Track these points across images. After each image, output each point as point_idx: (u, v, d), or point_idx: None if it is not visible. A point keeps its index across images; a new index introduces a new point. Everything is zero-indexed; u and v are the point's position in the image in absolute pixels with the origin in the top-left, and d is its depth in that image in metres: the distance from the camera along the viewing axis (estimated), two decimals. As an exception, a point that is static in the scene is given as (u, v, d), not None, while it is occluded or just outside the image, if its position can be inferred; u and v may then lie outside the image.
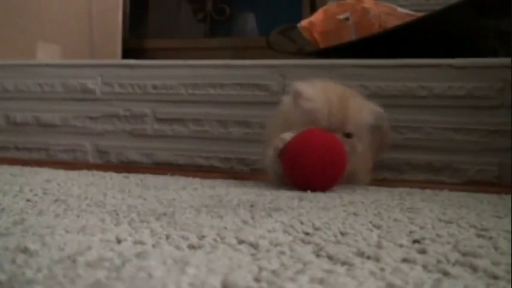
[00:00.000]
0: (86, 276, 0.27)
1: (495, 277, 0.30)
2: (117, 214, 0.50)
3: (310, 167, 0.77)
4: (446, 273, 0.31)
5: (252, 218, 0.50)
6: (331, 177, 0.78)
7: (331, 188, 0.80)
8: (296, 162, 0.79)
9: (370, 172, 0.98)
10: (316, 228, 0.45)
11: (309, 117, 0.83)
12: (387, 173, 1.08)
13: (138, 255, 0.32)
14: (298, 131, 0.82)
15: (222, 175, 1.04)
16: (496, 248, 0.38)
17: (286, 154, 0.80)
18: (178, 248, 0.37)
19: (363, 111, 0.85)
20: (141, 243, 0.38)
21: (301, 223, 0.47)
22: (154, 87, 1.25)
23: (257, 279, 0.29)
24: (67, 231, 0.40)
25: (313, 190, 0.76)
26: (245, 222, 0.47)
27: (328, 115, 0.82)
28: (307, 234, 0.43)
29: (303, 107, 0.84)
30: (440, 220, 0.52)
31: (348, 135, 0.84)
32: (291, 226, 0.46)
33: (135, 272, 0.28)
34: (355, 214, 0.55)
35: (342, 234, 0.43)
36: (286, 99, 0.90)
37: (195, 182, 0.87)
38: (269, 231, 0.43)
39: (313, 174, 0.77)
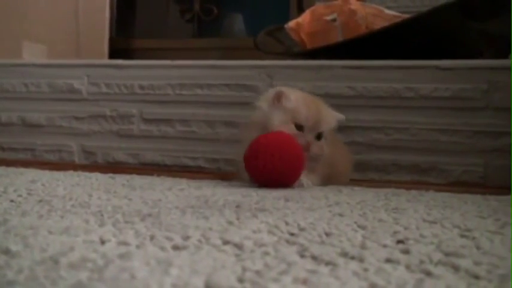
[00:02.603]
0: (67, 277, 0.27)
1: (476, 277, 0.31)
2: (102, 215, 0.49)
3: (261, 163, 0.81)
4: (428, 273, 0.31)
5: (238, 218, 0.50)
6: (281, 173, 0.82)
7: (287, 183, 0.84)
8: (248, 158, 0.83)
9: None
10: (301, 229, 0.45)
11: (289, 116, 0.89)
12: (374, 174, 1.09)
13: (122, 256, 0.32)
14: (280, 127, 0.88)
15: (209, 176, 1.04)
16: (478, 248, 0.39)
17: (246, 152, 0.84)
18: (162, 248, 0.36)
19: (331, 115, 0.93)
20: (125, 244, 0.37)
21: (287, 224, 0.47)
22: (141, 87, 1.24)
23: (240, 280, 0.29)
24: (50, 232, 0.40)
25: (269, 186, 0.82)
26: (230, 223, 0.47)
27: (306, 115, 0.89)
28: (292, 234, 0.43)
29: (285, 106, 0.89)
30: (424, 220, 0.52)
31: (319, 136, 0.90)
32: (276, 227, 0.46)
33: (118, 273, 0.28)
34: (340, 215, 0.55)
35: (327, 234, 0.43)
36: (263, 104, 0.93)
37: (182, 183, 0.87)
38: (254, 232, 0.43)
39: (264, 170, 0.81)
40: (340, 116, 0.94)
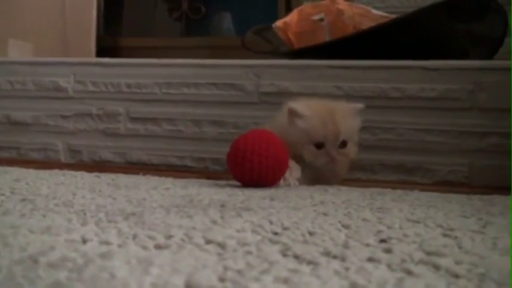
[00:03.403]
0: (46, 276, 0.27)
1: (456, 276, 0.31)
2: (85, 214, 0.49)
3: (239, 166, 0.81)
4: (409, 272, 0.31)
5: (222, 217, 0.50)
6: (265, 175, 0.81)
7: (271, 183, 0.83)
8: (230, 160, 0.83)
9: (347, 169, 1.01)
10: (285, 228, 0.45)
11: (305, 136, 0.89)
12: (360, 173, 1.09)
13: (102, 256, 0.32)
14: (295, 148, 0.88)
15: (196, 175, 1.04)
16: (459, 247, 0.39)
17: (228, 153, 0.84)
18: (144, 248, 0.36)
19: (349, 116, 0.91)
20: (107, 243, 0.37)
21: (271, 223, 0.47)
22: (128, 86, 1.23)
23: (222, 279, 0.29)
24: (31, 232, 0.39)
25: (253, 186, 0.82)
26: (214, 222, 0.47)
27: (324, 133, 0.88)
28: (275, 234, 0.43)
29: (298, 125, 0.89)
30: (408, 220, 0.52)
31: (343, 144, 0.90)
32: (260, 226, 0.46)
33: (97, 272, 0.28)
34: (324, 214, 0.55)
35: (310, 234, 0.43)
36: (282, 118, 0.93)
37: (167, 182, 0.87)
38: (238, 231, 0.43)
39: (246, 172, 0.81)
40: (357, 108, 0.92)
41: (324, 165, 0.90)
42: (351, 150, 0.92)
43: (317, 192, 0.77)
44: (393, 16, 1.27)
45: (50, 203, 0.55)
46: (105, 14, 2.10)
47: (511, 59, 1.08)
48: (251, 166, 0.80)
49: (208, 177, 0.98)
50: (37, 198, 0.60)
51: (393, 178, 1.08)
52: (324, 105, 0.92)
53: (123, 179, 0.89)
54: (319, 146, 0.89)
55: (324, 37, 1.29)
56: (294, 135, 0.89)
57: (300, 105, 0.90)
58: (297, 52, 1.31)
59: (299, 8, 1.41)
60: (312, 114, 0.89)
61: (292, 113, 0.90)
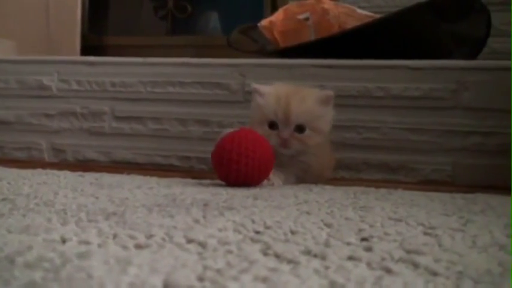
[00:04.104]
0: (21, 276, 0.27)
1: (435, 273, 0.31)
2: (65, 213, 0.49)
3: (222, 162, 0.80)
4: (388, 271, 0.31)
5: (204, 217, 0.49)
6: (250, 175, 0.80)
7: (256, 183, 0.83)
8: (215, 160, 0.82)
9: (332, 168, 1.02)
10: (267, 227, 0.45)
11: (262, 114, 0.90)
12: (345, 172, 1.09)
13: (81, 255, 0.32)
14: (257, 128, 0.88)
15: (181, 174, 1.03)
16: (439, 245, 0.39)
17: (213, 152, 0.83)
18: (124, 247, 0.36)
19: (312, 101, 0.89)
20: (86, 243, 0.37)
21: (253, 222, 0.47)
22: (113, 84, 1.23)
23: (200, 279, 0.29)
24: (9, 231, 0.39)
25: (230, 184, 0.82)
26: (196, 221, 0.47)
27: (274, 109, 0.88)
28: (257, 233, 0.43)
29: (256, 102, 0.91)
30: (390, 218, 0.52)
31: (301, 129, 0.88)
32: (242, 225, 0.45)
33: (74, 272, 0.28)
34: (307, 213, 0.55)
35: (292, 232, 0.43)
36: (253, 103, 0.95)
37: (152, 181, 0.86)
38: (219, 230, 0.43)
39: (225, 168, 0.80)
40: (324, 94, 0.90)
41: (277, 147, 0.87)
42: (310, 137, 0.88)
43: (301, 192, 0.77)
44: (378, 16, 1.28)
45: (30, 203, 0.55)
46: (90, 12, 2.09)
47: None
48: (237, 168, 0.79)
49: (194, 177, 0.98)
50: (18, 197, 0.59)
51: (377, 177, 1.08)
52: (290, 88, 0.91)
53: (107, 178, 0.88)
54: (273, 125, 0.89)
55: (309, 36, 1.30)
56: (252, 113, 0.93)
57: (264, 85, 0.93)
58: (282, 51, 1.31)
59: (284, 7, 1.41)
60: (271, 93, 0.90)
61: (255, 91, 0.92)
